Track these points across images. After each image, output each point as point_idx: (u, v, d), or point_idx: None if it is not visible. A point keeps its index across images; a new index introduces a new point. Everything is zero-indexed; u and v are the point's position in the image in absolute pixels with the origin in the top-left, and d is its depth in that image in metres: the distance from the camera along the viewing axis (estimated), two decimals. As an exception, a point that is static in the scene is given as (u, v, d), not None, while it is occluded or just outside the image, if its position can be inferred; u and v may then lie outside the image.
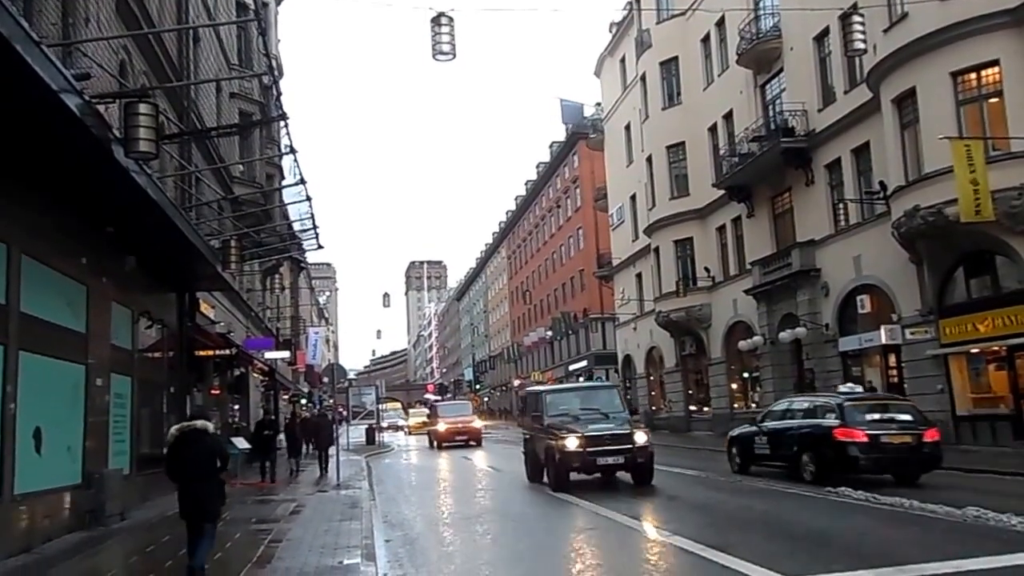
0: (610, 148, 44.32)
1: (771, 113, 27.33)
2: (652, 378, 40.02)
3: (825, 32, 23.93)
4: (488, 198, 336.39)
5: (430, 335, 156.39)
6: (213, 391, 21.55)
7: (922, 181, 18.78)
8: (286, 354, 35.46)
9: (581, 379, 46.24)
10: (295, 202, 21.39)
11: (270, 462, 18.88)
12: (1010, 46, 17.60)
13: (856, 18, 15.79)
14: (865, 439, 13.22)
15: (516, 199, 79.46)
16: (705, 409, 33.76)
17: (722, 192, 30.07)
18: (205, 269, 15.94)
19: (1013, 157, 17.35)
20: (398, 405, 79.22)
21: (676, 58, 33.38)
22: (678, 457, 20.82)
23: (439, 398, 75.59)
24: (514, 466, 18.51)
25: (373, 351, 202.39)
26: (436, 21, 12.58)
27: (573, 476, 14.35)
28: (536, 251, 69.37)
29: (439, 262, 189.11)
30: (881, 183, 20.93)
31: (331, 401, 31.74)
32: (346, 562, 8.26)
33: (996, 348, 18.74)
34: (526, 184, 75.13)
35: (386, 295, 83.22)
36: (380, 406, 47.40)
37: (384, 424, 49.28)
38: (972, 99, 18.38)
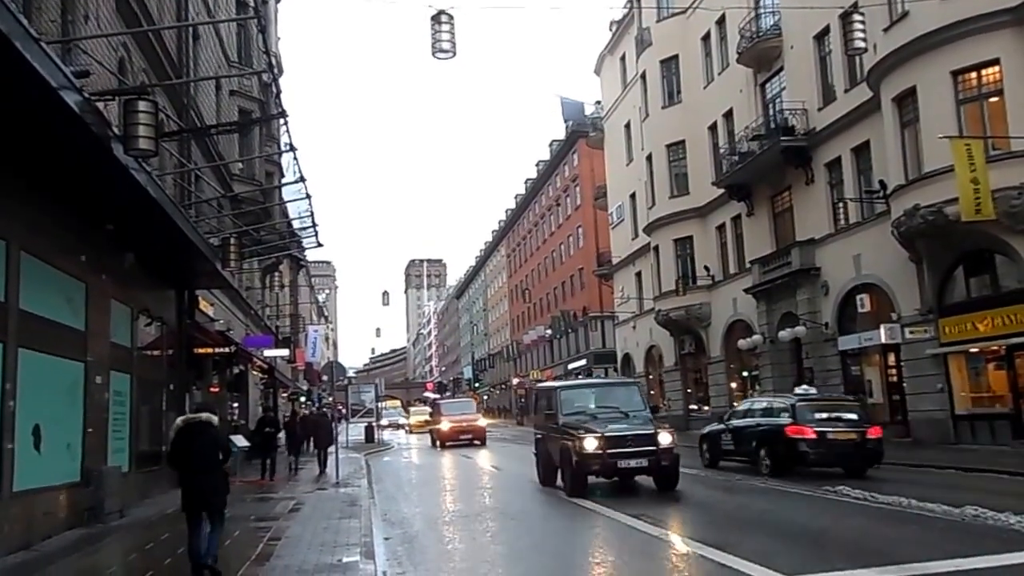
0: (610, 146, 44.32)
1: (771, 112, 27.31)
2: (651, 377, 40.02)
3: (825, 31, 23.92)
4: (488, 196, 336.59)
5: (429, 333, 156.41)
6: (212, 389, 21.54)
7: (922, 180, 18.78)
8: (285, 352, 35.53)
9: (580, 377, 45.88)
10: (294, 200, 21.37)
11: (270, 460, 18.91)
12: (1010, 45, 17.59)
13: (856, 17, 15.81)
14: (814, 436, 14.63)
15: (516, 197, 79.43)
16: (704, 408, 33.72)
17: (722, 191, 30.06)
18: (204, 267, 15.94)
19: (1013, 156, 17.35)
20: (397, 403, 79.23)
21: (676, 56, 33.36)
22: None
23: (438, 396, 75.56)
24: (515, 465, 18.51)
25: (372, 349, 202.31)
26: (436, 18, 12.58)
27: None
28: (536, 249, 69.36)
29: (439, 260, 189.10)
30: (881, 182, 20.92)
31: (330, 399, 31.74)
32: (345, 560, 8.26)
33: (995, 347, 18.74)
34: (526, 182, 75.10)
35: (385, 293, 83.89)
36: (379, 404, 47.32)
37: (384, 422, 49.21)
38: (972, 98, 18.38)
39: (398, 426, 56.36)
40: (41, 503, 10.08)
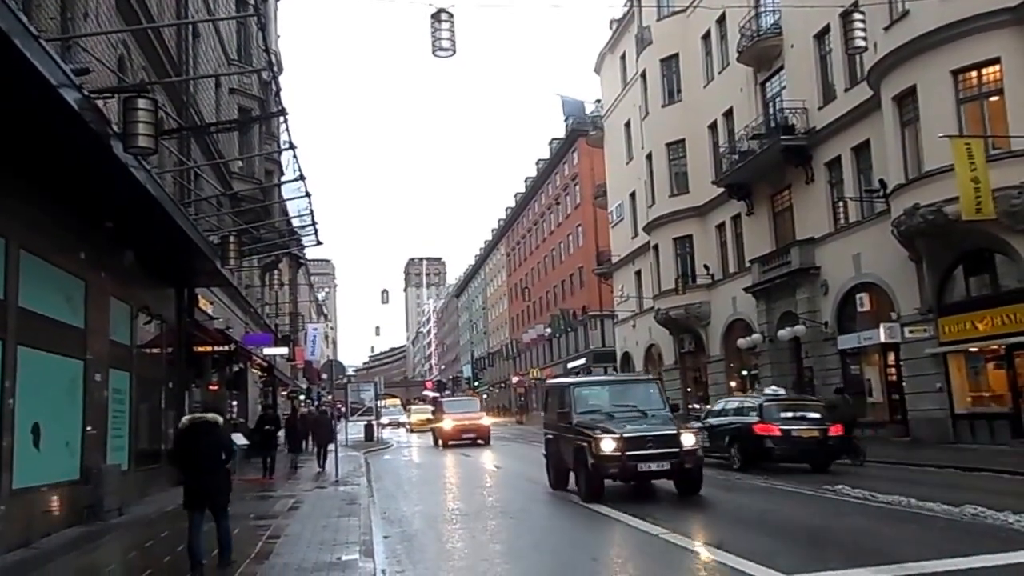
0: (610, 145, 44.32)
1: (771, 111, 27.32)
2: (651, 375, 39.97)
3: (826, 30, 23.92)
4: (487, 195, 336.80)
5: (429, 332, 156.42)
6: (212, 387, 21.52)
7: (922, 179, 18.78)
8: (284, 350, 35.52)
9: (580, 375, 45.72)
10: (294, 198, 21.37)
11: (270, 458, 18.91)
12: (1011, 44, 17.59)
13: (857, 16, 15.82)
14: (779, 433, 15.81)
15: (515, 196, 79.41)
16: (705, 407, 33.69)
17: (722, 190, 30.07)
18: (204, 265, 15.93)
19: (1013, 155, 17.35)
20: (397, 402, 79.18)
21: (676, 55, 33.38)
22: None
23: (437, 395, 75.56)
24: (516, 464, 18.47)
25: (372, 348, 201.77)
26: (436, 17, 12.58)
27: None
28: (535, 248, 69.37)
29: (438, 259, 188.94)
30: (881, 181, 20.92)
31: (330, 397, 31.72)
32: (344, 558, 8.26)
33: (995, 347, 18.75)
34: (526, 181, 75.09)
35: (385, 292, 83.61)
36: (379, 402, 47.23)
37: (384, 421, 49.14)
38: (973, 97, 18.38)
39: (399, 424, 56.28)
40: (40, 501, 10.08)
